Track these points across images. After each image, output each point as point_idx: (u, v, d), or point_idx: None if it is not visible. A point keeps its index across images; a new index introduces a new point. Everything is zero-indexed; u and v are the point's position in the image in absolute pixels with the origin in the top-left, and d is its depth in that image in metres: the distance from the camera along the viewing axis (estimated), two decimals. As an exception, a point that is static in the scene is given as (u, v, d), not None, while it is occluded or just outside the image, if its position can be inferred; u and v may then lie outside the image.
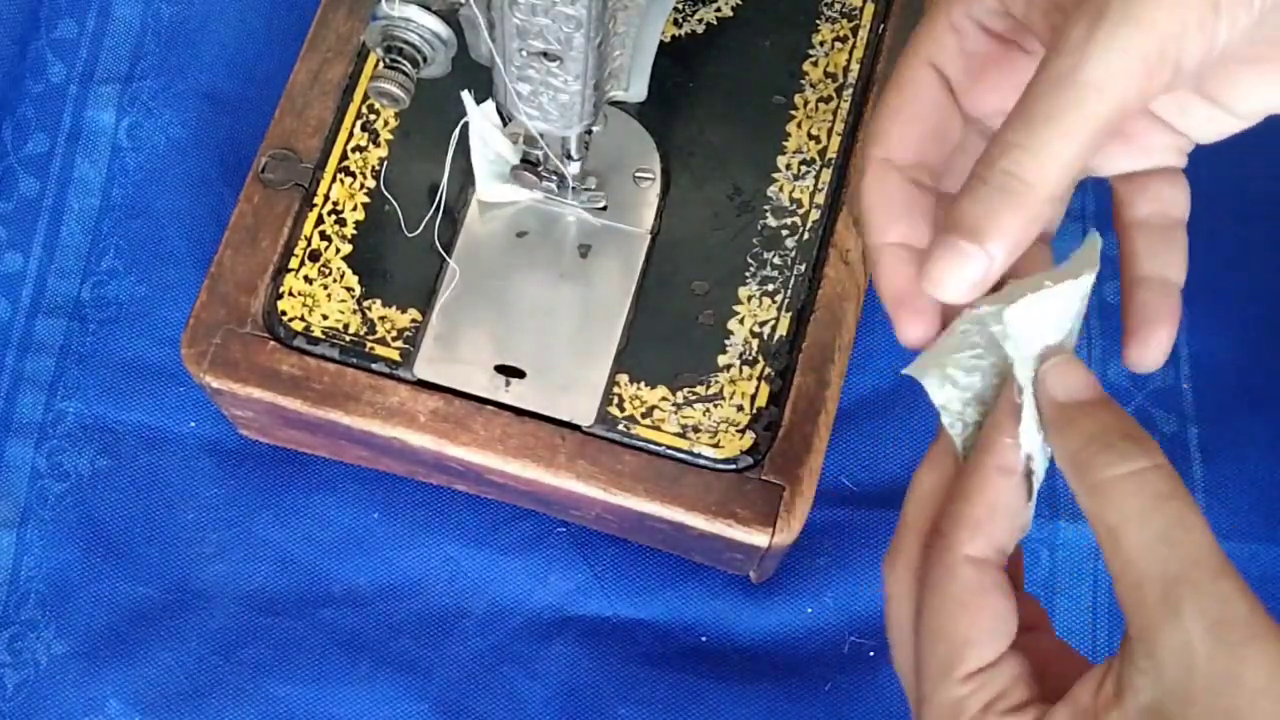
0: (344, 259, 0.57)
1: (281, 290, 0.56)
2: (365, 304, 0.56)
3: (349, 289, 0.56)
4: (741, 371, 0.55)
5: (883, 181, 0.40)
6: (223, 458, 0.62)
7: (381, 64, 0.48)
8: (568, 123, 0.50)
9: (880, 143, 0.40)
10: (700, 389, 0.55)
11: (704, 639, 0.59)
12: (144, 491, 0.61)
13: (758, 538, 0.52)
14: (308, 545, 0.60)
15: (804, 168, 0.58)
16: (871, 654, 0.58)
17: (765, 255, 0.57)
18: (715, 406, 0.54)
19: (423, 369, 0.55)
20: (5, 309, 0.64)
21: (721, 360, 0.55)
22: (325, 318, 0.56)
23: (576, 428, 0.54)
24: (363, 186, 0.58)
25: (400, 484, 0.61)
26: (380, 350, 0.55)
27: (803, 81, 0.59)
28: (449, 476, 0.58)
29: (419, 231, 0.57)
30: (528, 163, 0.56)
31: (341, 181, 0.58)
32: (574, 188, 0.56)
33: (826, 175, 0.57)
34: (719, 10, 0.61)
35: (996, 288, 0.37)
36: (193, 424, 0.62)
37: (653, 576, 0.60)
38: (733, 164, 0.58)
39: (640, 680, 0.58)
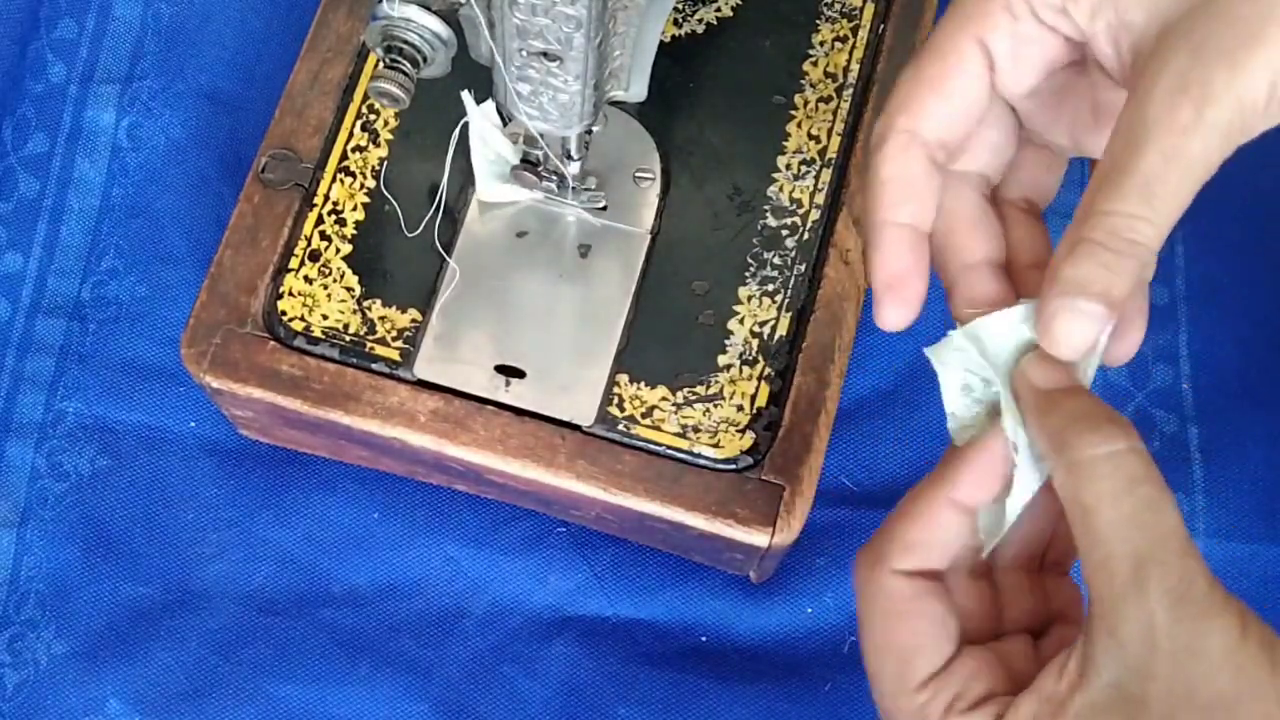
0: (344, 259, 0.57)
1: (281, 290, 0.56)
2: (365, 304, 0.56)
3: (349, 289, 0.56)
4: (741, 371, 0.55)
5: (904, 154, 0.39)
6: (223, 458, 0.62)
7: (381, 64, 0.48)
8: (568, 123, 0.50)
9: (909, 113, 0.40)
10: (700, 389, 0.55)
11: (704, 639, 0.59)
12: (144, 491, 0.61)
13: (758, 538, 0.52)
14: (308, 545, 0.60)
15: (804, 168, 0.58)
16: (871, 654, 0.58)
17: (765, 255, 0.57)
18: (715, 406, 0.54)
19: (423, 369, 0.55)
20: (5, 309, 0.64)
21: (721, 360, 0.55)
22: (325, 318, 0.56)
23: (576, 428, 0.54)
24: (363, 186, 0.58)
25: (400, 484, 0.61)
26: (380, 350, 0.55)
27: (803, 81, 0.59)
28: (449, 476, 0.58)
29: (419, 231, 0.57)
30: (528, 163, 0.56)
31: (341, 181, 0.58)
32: (574, 188, 0.56)
33: (826, 175, 0.57)
34: (719, 10, 0.61)
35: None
36: (193, 424, 0.62)
37: (653, 576, 0.60)
38: (733, 164, 0.58)
39: (640, 680, 0.58)
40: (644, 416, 0.54)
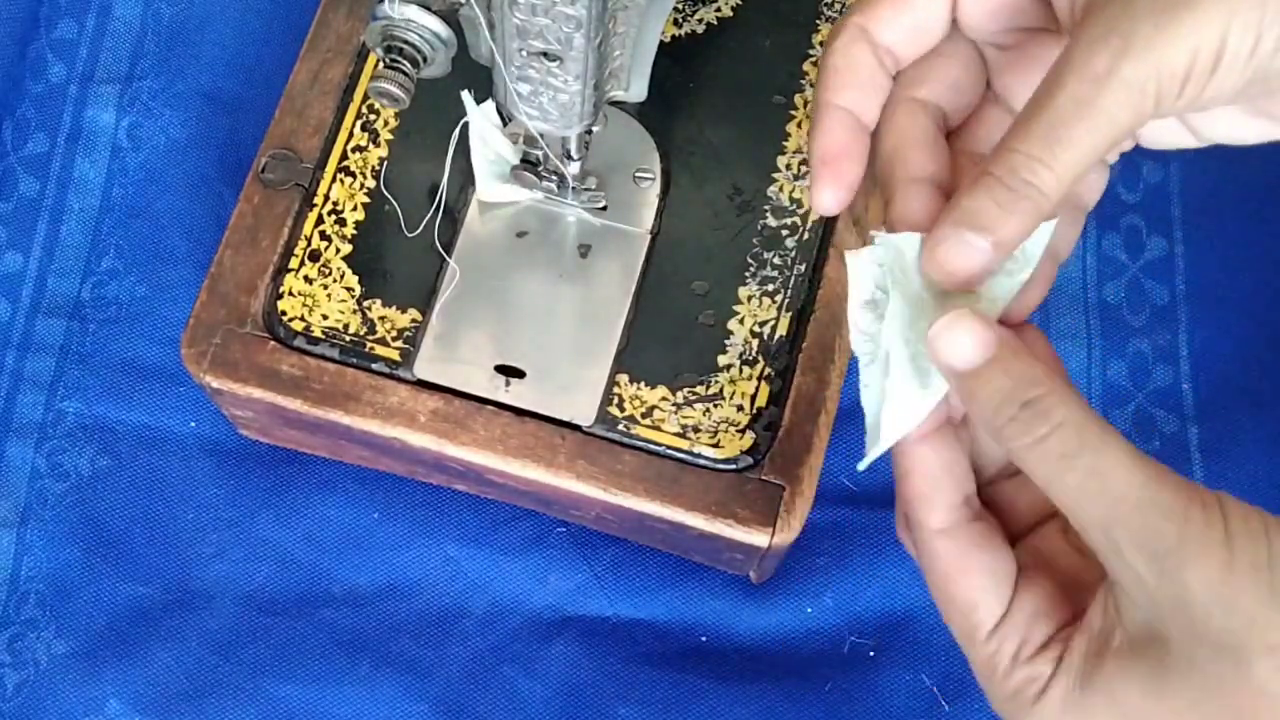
0: (344, 259, 0.57)
1: (281, 290, 0.56)
2: (365, 304, 0.56)
3: (349, 289, 0.56)
4: (741, 371, 0.55)
5: (854, 47, 0.40)
6: (223, 458, 0.62)
7: (381, 64, 0.48)
8: (568, 123, 0.50)
9: (865, 14, 0.40)
10: (700, 389, 0.55)
11: (704, 639, 0.59)
12: (144, 491, 0.61)
13: (758, 538, 0.52)
14: (308, 545, 0.60)
15: (804, 168, 0.58)
16: (871, 654, 0.58)
17: (765, 255, 0.57)
18: (715, 406, 0.54)
19: (423, 369, 0.55)
20: (5, 309, 0.64)
21: (721, 360, 0.55)
22: (325, 318, 0.56)
23: (576, 428, 0.54)
24: (363, 186, 0.58)
25: (400, 484, 0.61)
26: (380, 350, 0.55)
27: (803, 81, 0.59)
28: (449, 476, 0.58)
29: (419, 231, 0.57)
30: (528, 163, 0.56)
31: (341, 181, 0.58)
32: (574, 188, 0.56)
33: (826, 175, 0.57)
34: (719, 10, 0.61)
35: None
36: (193, 424, 0.62)
37: (653, 576, 0.60)
38: (733, 164, 0.58)
39: (640, 680, 0.58)
40: (644, 416, 0.54)
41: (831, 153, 0.40)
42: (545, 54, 0.46)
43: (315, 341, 0.55)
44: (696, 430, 0.54)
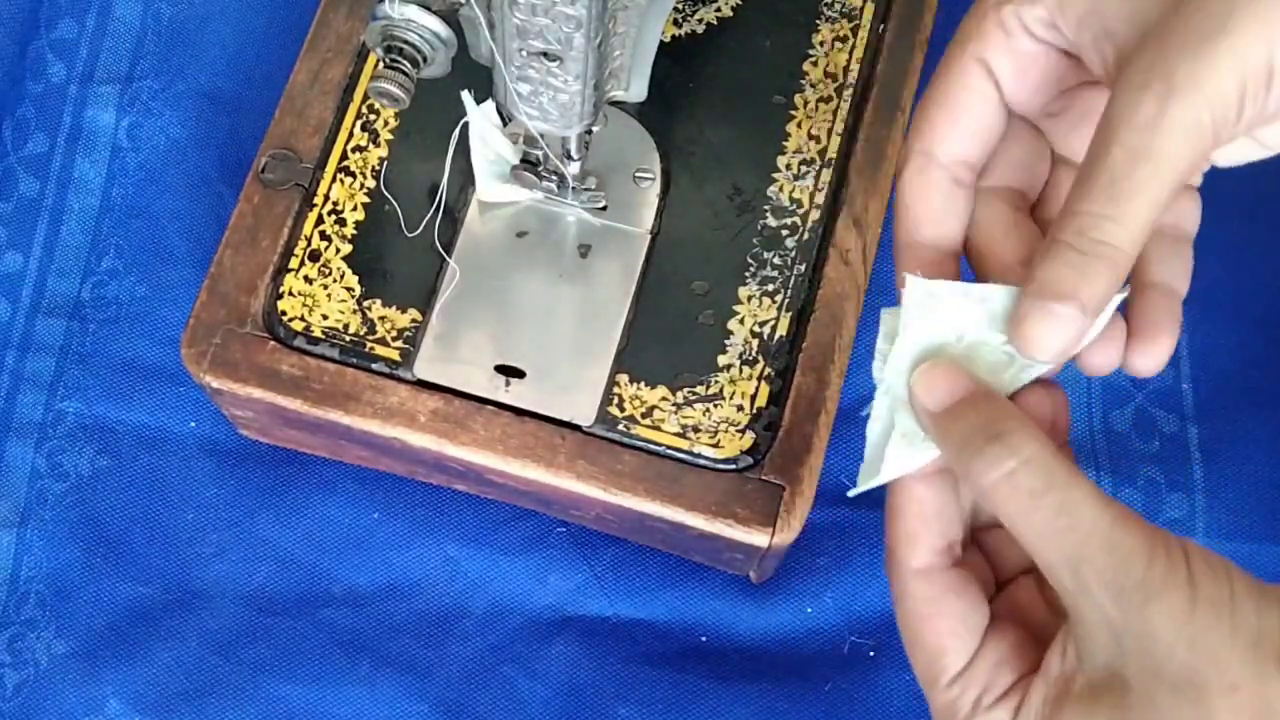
0: (344, 259, 0.57)
1: (281, 290, 0.56)
2: (365, 304, 0.56)
3: (349, 289, 0.56)
4: (741, 371, 0.55)
5: (922, 175, 0.40)
6: (223, 458, 0.62)
7: (381, 64, 0.48)
8: (568, 123, 0.50)
9: (923, 135, 0.40)
10: (700, 389, 0.55)
11: (704, 639, 0.59)
12: (144, 491, 0.61)
13: (758, 538, 0.52)
14: (308, 545, 0.60)
15: (804, 168, 0.58)
16: (871, 654, 0.58)
17: (765, 255, 0.57)
18: (715, 406, 0.54)
19: (423, 369, 0.55)
20: (5, 309, 0.64)
21: (721, 360, 0.55)
22: (325, 318, 0.56)
23: (576, 428, 0.54)
24: (363, 186, 0.58)
25: (400, 484, 0.61)
26: (380, 350, 0.55)
27: (803, 81, 0.59)
28: (449, 476, 0.58)
29: (419, 231, 0.57)
30: (528, 163, 0.56)
31: (341, 181, 0.58)
32: (574, 188, 0.56)
33: (826, 175, 0.57)
34: (719, 10, 0.61)
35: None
36: (193, 424, 0.62)
37: (653, 576, 0.60)
38: (733, 164, 0.58)
39: (640, 680, 0.58)
40: (644, 416, 0.54)
41: None
42: (545, 54, 0.46)
43: (315, 341, 0.55)
44: (696, 430, 0.54)
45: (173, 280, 0.64)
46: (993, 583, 0.41)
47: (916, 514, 0.39)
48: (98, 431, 0.62)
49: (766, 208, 0.57)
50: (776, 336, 0.55)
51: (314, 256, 0.57)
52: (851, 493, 0.40)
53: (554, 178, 0.56)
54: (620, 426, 0.54)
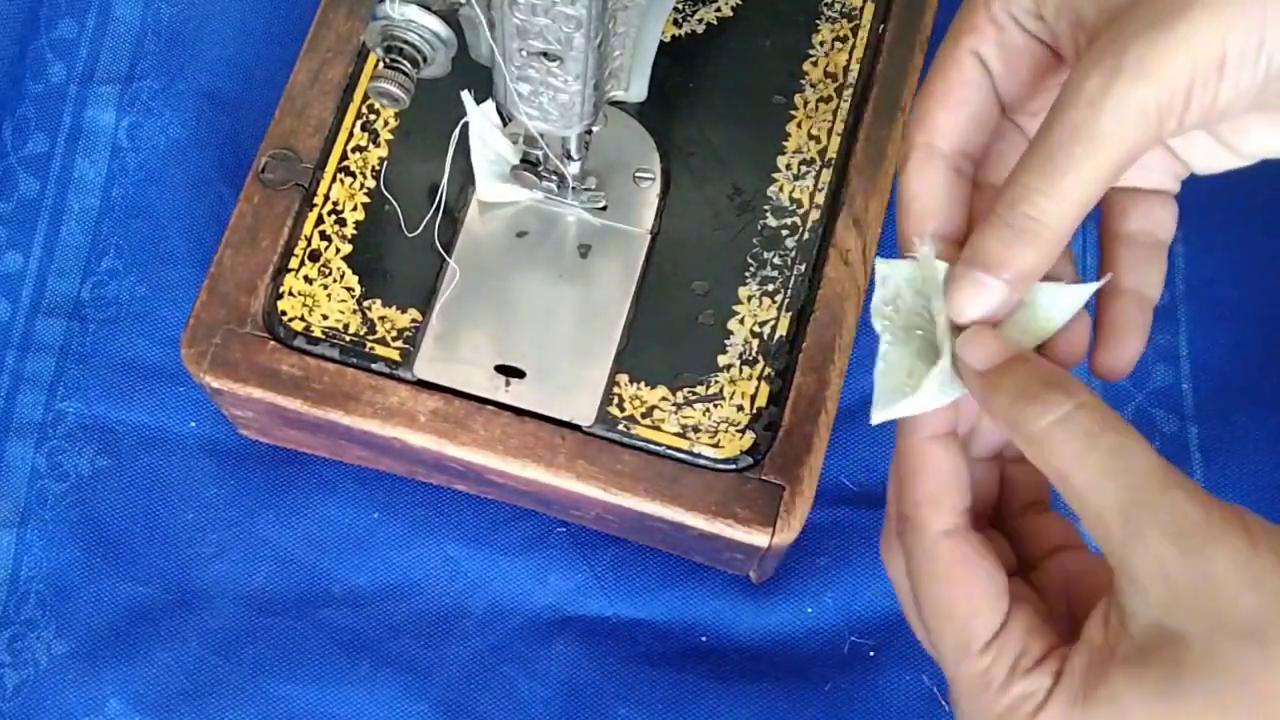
0: (344, 259, 0.57)
1: (281, 290, 0.56)
2: (365, 304, 0.56)
3: (349, 289, 0.56)
4: (741, 371, 0.55)
5: (925, 167, 0.41)
6: (223, 458, 0.62)
7: (381, 64, 0.48)
8: (568, 123, 0.50)
9: (923, 128, 0.41)
10: (700, 389, 0.55)
11: (704, 639, 0.59)
12: (144, 491, 0.61)
13: (758, 538, 0.52)
14: (308, 545, 0.60)
15: (804, 168, 0.58)
16: (871, 654, 0.58)
17: (765, 255, 0.57)
18: (715, 406, 0.54)
19: (423, 369, 0.55)
20: (5, 309, 0.64)
21: (721, 360, 0.55)
22: (325, 318, 0.56)
23: (576, 428, 0.54)
24: (363, 186, 0.58)
25: (400, 484, 0.61)
26: (380, 350, 0.55)
27: (803, 81, 0.59)
28: (449, 476, 0.58)
29: (419, 231, 0.57)
30: (528, 163, 0.56)
31: (341, 181, 0.58)
32: (574, 188, 0.56)
33: (826, 175, 0.57)
34: (719, 10, 0.61)
35: None
36: (193, 424, 0.62)
37: (653, 576, 0.60)
38: (733, 164, 0.58)
39: (640, 680, 0.58)
40: (644, 416, 0.54)
41: None
42: (545, 54, 0.46)
43: (315, 341, 0.55)
44: (696, 430, 0.54)
45: (173, 280, 0.64)
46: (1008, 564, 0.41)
47: (938, 475, 0.38)
48: (98, 431, 0.62)
49: (766, 208, 0.57)
50: (776, 336, 0.55)
51: (314, 256, 0.57)
52: (874, 419, 0.39)
53: (554, 178, 0.56)
54: (620, 426, 0.54)
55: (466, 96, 0.52)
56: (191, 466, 0.61)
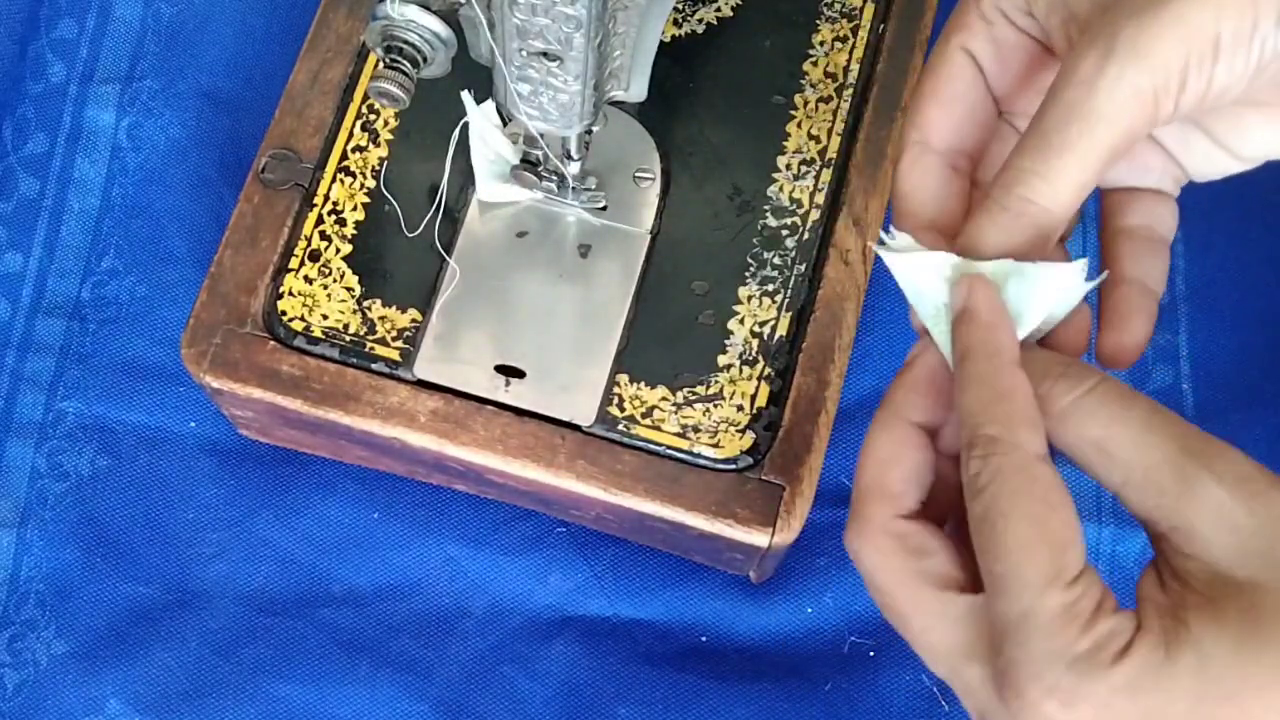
0: (344, 259, 0.57)
1: (281, 290, 0.56)
2: (365, 304, 0.56)
3: (349, 289, 0.56)
4: (741, 371, 0.55)
5: (918, 165, 0.40)
6: (223, 458, 0.62)
7: (381, 64, 0.48)
8: (568, 123, 0.50)
9: (917, 125, 0.41)
10: (700, 389, 0.55)
11: (704, 639, 0.59)
12: (144, 491, 0.61)
13: (758, 538, 0.52)
14: (308, 545, 0.60)
15: (804, 168, 0.58)
16: (871, 654, 0.58)
17: (765, 255, 0.57)
18: (715, 406, 0.54)
19: (423, 369, 0.55)
20: (5, 309, 0.64)
21: (721, 360, 0.55)
22: (325, 318, 0.56)
23: (576, 428, 0.54)
24: (363, 186, 0.58)
25: (400, 484, 0.61)
26: (380, 350, 0.55)
27: (803, 81, 0.59)
28: (449, 476, 0.58)
29: (419, 231, 0.57)
30: (528, 163, 0.56)
31: (341, 181, 0.58)
32: (574, 188, 0.56)
33: (826, 175, 0.57)
34: (719, 10, 0.61)
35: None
36: (193, 424, 0.62)
37: (653, 576, 0.60)
38: (733, 164, 0.58)
39: (640, 680, 0.58)
40: (644, 416, 0.54)
41: None
42: (545, 54, 0.46)
43: (315, 341, 0.55)
44: (696, 430, 0.54)
45: (173, 280, 0.64)
46: None
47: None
48: (98, 431, 0.62)
49: (766, 208, 0.57)
50: (776, 336, 0.55)
51: (314, 256, 0.57)
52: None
53: (554, 178, 0.56)
54: (620, 426, 0.54)
55: (466, 96, 0.52)
56: (191, 466, 0.62)
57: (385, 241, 0.57)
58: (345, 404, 0.54)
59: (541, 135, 0.52)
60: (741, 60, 0.60)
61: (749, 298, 0.56)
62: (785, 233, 0.57)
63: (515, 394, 0.54)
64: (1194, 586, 0.33)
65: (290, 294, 0.56)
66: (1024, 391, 0.36)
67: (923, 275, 0.39)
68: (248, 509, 0.61)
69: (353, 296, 0.56)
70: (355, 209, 0.57)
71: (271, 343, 0.55)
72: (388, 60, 0.48)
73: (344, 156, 0.58)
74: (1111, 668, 0.33)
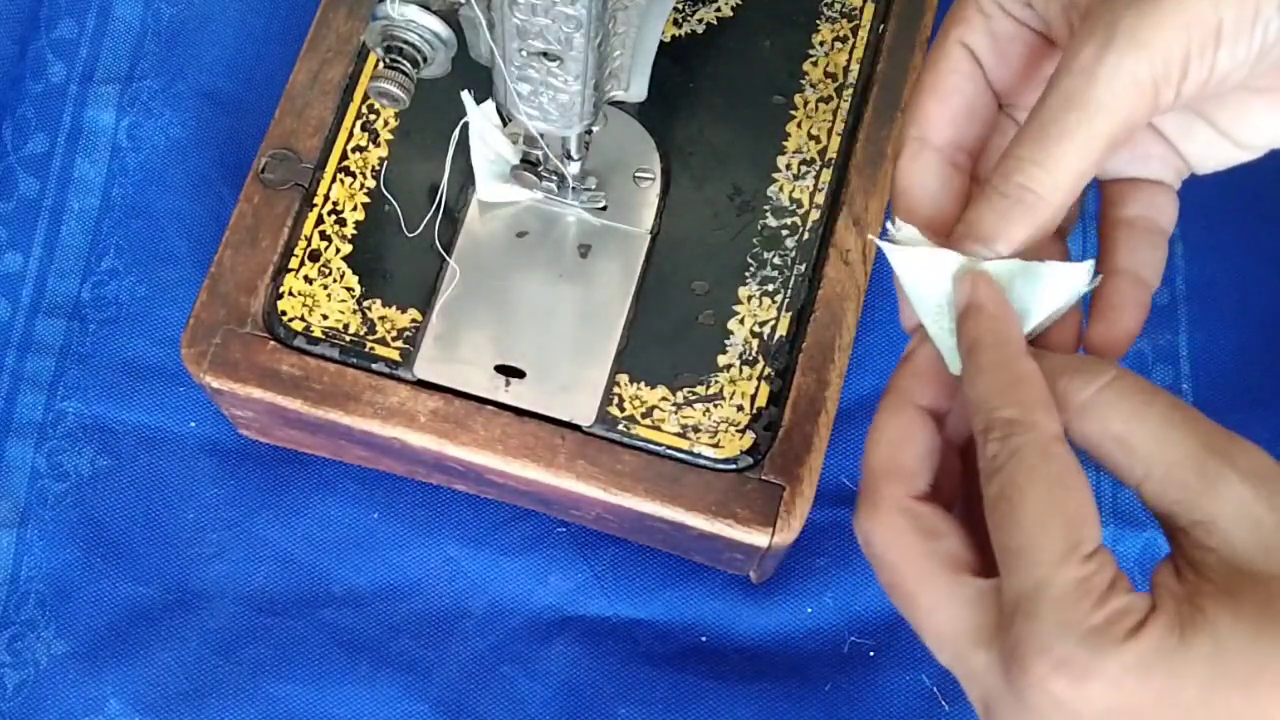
0: (344, 259, 0.57)
1: (281, 290, 0.56)
2: (365, 304, 0.56)
3: (349, 289, 0.56)
4: (741, 371, 0.55)
5: (917, 160, 0.40)
6: (223, 458, 0.62)
7: (381, 64, 0.48)
8: (568, 123, 0.50)
9: (916, 121, 0.41)
10: (700, 389, 0.55)
11: (704, 639, 0.59)
12: (144, 491, 0.61)
13: (758, 538, 0.52)
14: (308, 545, 0.60)
15: (804, 168, 0.58)
16: (871, 654, 0.58)
17: (765, 255, 0.57)
18: (715, 406, 0.54)
19: (423, 369, 0.55)
20: (5, 309, 0.64)
21: (721, 360, 0.55)
22: (325, 318, 0.56)
23: (576, 428, 0.54)
24: (363, 186, 0.58)
25: (400, 484, 0.61)
26: (380, 350, 0.55)
27: (803, 81, 0.59)
28: (449, 476, 0.58)
29: (419, 231, 0.57)
30: (528, 163, 0.56)
31: (341, 181, 0.58)
32: (574, 188, 0.56)
33: (826, 175, 0.57)
34: (719, 10, 0.61)
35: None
36: (193, 424, 0.62)
37: (653, 576, 0.60)
38: (733, 164, 0.58)
39: (640, 680, 0.58)
40: (644, 416, 0.54)
41: None
42: (545, 54, 0.46)
43: (315, 341, 0.55)
44: (696, 430, 0.54)
45: (173, 280, 0.64)
46: None
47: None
48: (98, 431, 0.62)
49: (766, 208, 0.57)
50: (776, 336, 0.55)
51: (314, 256, 0.57)
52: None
53: (554, 178, 0.56)
54: (620, 426, 0.54)
55: (466, 96, 0.52)
56: (191, 466, 0.62)
57: (385, 241, 0.57)
58: (345, 404, 0.54)
59: (541, 135, 0.52)
60: (741, 60, 0.60)
61: (749, 298, 0.56)
62: (785, 233, 0.57)
63: (515, 394, 0.54)
64: (1212, 578, 0.33)
65: (290, 294, 0.56)
66: (1037, 377, 0.36)
67: (925, 271, 0.39)
68: (248, 509, 0.61)
69: (353, 296, 0.56)
70: (355, 209, 0.57)
71: (271, 343, 0.55)
72: (388, 60, 0.48)
73: (344, 156, 0.58)
74: (1124, 644, 0.32)
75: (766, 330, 0.55)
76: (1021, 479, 0.34)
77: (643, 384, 0.55)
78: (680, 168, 0.58)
